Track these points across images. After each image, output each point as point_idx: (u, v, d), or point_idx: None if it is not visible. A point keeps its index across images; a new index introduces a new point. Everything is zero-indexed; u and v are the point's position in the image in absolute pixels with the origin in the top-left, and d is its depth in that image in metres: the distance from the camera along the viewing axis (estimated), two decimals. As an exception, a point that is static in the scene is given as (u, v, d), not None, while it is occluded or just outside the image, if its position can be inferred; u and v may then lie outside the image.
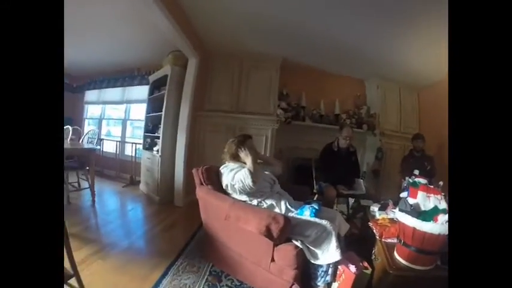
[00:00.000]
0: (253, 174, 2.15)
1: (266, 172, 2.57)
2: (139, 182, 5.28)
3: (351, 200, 3.67)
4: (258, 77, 4.58)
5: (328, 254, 1.87)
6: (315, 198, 3.25)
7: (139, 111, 5.95)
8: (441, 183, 2.65)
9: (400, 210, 1.71)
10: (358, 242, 2.41)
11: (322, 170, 3.60)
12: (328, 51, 4.27)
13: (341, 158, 3.57)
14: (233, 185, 2.23)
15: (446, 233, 1.55)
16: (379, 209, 2.51)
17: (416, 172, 2.67)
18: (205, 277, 2.21)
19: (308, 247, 1.89)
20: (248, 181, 2.12)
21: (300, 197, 2.50)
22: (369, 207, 2.64)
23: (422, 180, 2.34)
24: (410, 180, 2.38)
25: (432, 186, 2.37)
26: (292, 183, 4.04)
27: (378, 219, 2.23)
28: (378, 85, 5.30)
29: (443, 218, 1.57)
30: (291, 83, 4.99)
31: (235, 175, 2.24)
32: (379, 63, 4.53)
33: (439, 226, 1.55)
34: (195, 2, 3.17)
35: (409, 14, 3.05)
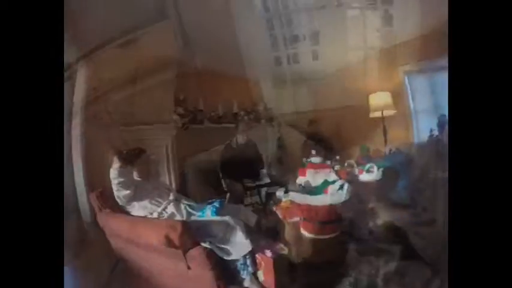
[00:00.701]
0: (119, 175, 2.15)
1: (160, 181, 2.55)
2: None
3: (264, 190, 3.84)
4: (153, 84, 4.28)
5: (238, 247, 1.93)
6: (227, 197, 3.33)
7: None
8: (338, 157, 2.94)
9: (291, 190, 1.87)
10: (274, 227, 2.55)
11: (227, 168, 3.69)
12: (223, 54, 4.37)
13: (242, 153, 3.70)
14: (119, 197, 2.18)
15: (338, 201, 1.74)
16: (284, 193, 2.66)
17: (314, 152, 2.92)
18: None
19: (218, 246, 1.93)
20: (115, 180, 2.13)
21: (209, 199, 2.53)
22: (275, 193, 2.80)
23: (317, 159, 2.57)
24: (309, 160, 2.59)
25: (329, 162, 2.63)
26: (200, 186, 4.04)
27: (282, 203, 2.38)
28: (273, 84, 5.65)
29: (332, 189, 1.76)
30: (187, 87, 4.92)
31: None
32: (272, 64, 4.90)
33: (329, 197, 1.73)
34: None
35: (296, 18, 3.32)
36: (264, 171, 3.77)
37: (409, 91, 4.60)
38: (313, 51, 4.43)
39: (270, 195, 3.19)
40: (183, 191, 2.80)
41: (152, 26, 3.70)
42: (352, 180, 1.87)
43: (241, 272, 1.97)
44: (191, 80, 4.90)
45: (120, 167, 2.18)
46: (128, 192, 2.17)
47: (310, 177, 1.96)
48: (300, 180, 2.00)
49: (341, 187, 1.70)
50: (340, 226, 1.88)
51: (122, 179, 2.16)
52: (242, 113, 5.19)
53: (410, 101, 4.60)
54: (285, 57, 4.66)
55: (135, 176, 2.33)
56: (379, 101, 4.55)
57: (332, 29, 3.88)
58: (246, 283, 1.95)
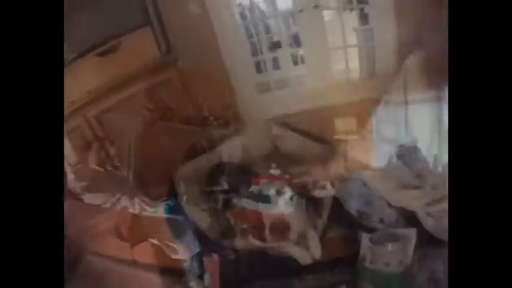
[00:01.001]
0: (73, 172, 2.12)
1: (118, 173, 2.53)
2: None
3: (221, 196, 3.86)
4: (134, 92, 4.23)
5: (186, 247, 1.96)
6: (184, 198, 3.32)
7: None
8: (297, 172, 3.03)
9: (244, 197, 1.94)
10: (225, 233, 2.56)
11: (186, 170, 3.69)
12: (204, 58, 4.38)
13: (204, 157, 3.72)
14: (73, 187, 2.14)
15: (289, 211, 1.82)
16: (239, 200, 2.71)
17: (274, 165, 3.01)
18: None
19: (166, 243, 1.96)
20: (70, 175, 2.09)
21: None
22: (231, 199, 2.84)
23: (276, 171, 2.66)
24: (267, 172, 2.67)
25: (288, 176, 2.72)
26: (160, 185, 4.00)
27: (234, 209, 2.44)
28: (249, 90, 5.71)
29: (283, 199, 1.85)
30: (159, 84, 4.87)
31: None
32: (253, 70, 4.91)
33: (279, 207, 1.81)
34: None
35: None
36: (223, 177, 3.80)
37: (373, 119, 4.82)
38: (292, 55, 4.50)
39: (227, 201, 3.22)
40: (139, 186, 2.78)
41: (133, 32, 3.67)
42: (304, 194, 1.97)
43: (187, 273, 1.99)
44: (164, 76, 4.89)
45: (74, 165, 2.12)
46: (83, 183, 2.14)
47: (263, 185, 2.04)
48: (253, 188, 2.08)
49: (291, 198, 1.79)
50: (288, 236, 1.96)
51: (77, 174, 2.11)
52: (211, 118, 5.20)
53: (374, 128, 4.81)
54: (264, 63, 4.71)
55: (92, 163, 2.29)
56: (344, 126, 4.74)
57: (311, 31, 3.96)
58: (192, 284, 1.97)
